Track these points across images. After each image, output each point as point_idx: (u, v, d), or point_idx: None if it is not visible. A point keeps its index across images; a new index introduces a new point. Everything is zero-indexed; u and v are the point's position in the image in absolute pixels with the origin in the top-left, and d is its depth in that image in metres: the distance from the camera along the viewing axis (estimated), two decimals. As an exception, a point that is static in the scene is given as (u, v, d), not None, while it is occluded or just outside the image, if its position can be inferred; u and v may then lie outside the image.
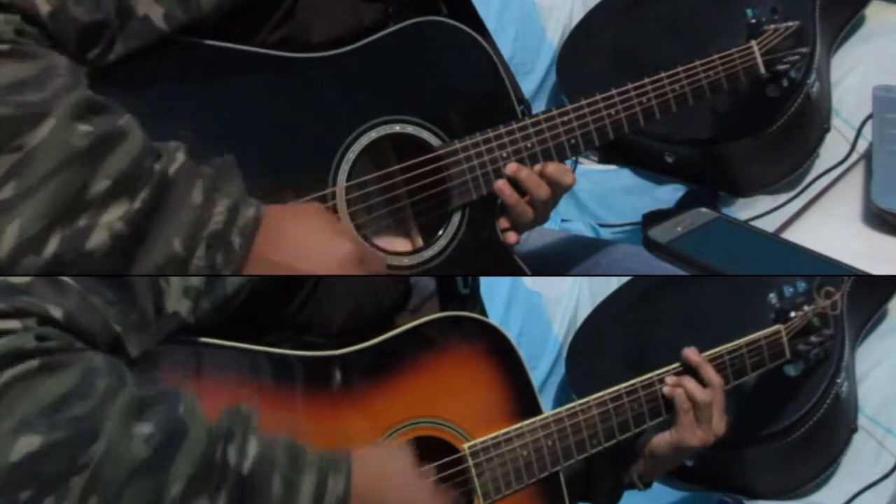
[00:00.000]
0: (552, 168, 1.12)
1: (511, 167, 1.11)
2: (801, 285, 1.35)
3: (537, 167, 1.12)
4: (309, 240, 0.89)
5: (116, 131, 0.81)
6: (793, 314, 1.32)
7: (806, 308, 1.32)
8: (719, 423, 1.16)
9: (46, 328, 0.70)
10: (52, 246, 0.77)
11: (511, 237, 1.13)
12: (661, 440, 1.16)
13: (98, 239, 0.78)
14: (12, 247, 0.75)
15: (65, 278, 0.73)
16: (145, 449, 0.70)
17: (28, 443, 0.66)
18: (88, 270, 0.78)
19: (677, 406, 1.14)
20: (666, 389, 1.14)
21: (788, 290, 1.34)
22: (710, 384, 1.16)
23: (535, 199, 1.12)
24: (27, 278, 0.72)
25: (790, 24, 1.35)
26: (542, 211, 1.14)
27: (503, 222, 1.13)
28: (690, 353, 1.17)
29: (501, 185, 1.10)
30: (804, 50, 1.37)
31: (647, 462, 1.18)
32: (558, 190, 1.13)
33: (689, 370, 1.16)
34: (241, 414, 0.79)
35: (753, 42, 1.32)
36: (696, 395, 1.14)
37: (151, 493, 0.70)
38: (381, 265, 0.97)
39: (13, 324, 0.69)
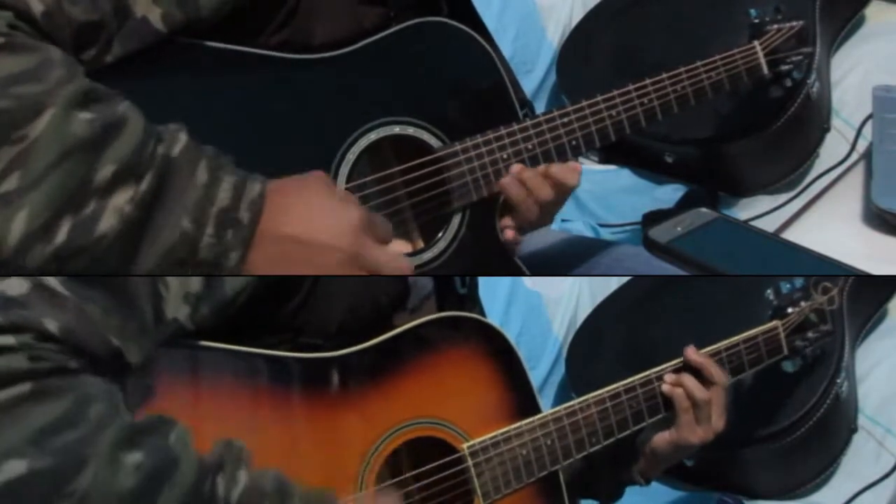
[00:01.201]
0: (556, 169, 1.11)
1: (515, 167, 1.10)
2: (799, 282, 1.35)
3: (541, 168, 1.11)
4: (316, 210, 0.89)
5: (117, 117, 0.81)
6: (790, 310, 1.31)
7: (803, 304, 1.32)
8: (718, 421, 1.15)
9: (42, 345, 0.69)
10: (62, 233, 0.77)
11: (509, 233, 1.13)
12: (661, 439, 1.16)
13: (108, 223, 0.78)
14: (21, 236, 0.76)
15: (60, 288, 0.72)
16: (133, 479, 0.70)
17: (13, 468, 0.65)
18: (100, 256, 0.78)
19: (677, 405, 1.14)
20: (665, 388, 1.14)
21: (786, 287, 1.34)
22: (714, 382, 1.15)
23: (539, 199, 1.11)
24: (23, 289, 0.71)
25: (793, 23, 1.35)
26: (547, 212, 1.13)
27: (504, 221, 1.13)
28: (691, 352, 1.16)
29: (508, 182, 1.10)
30: (807, 50, 1.37)
31: (647, 460, 1.18)
32: (562, 190, 1.13)
33: (688, 368, 1.16)
34: (233, 447, 0.79)
35: (756, 42, 1.32)
36: (695, 393, 1.14)
37: None
38: (389, 229, 0.96)
39: (8, 340, 0.68)
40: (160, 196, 0.81)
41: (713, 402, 1.15)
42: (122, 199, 0.79)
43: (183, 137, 0.84)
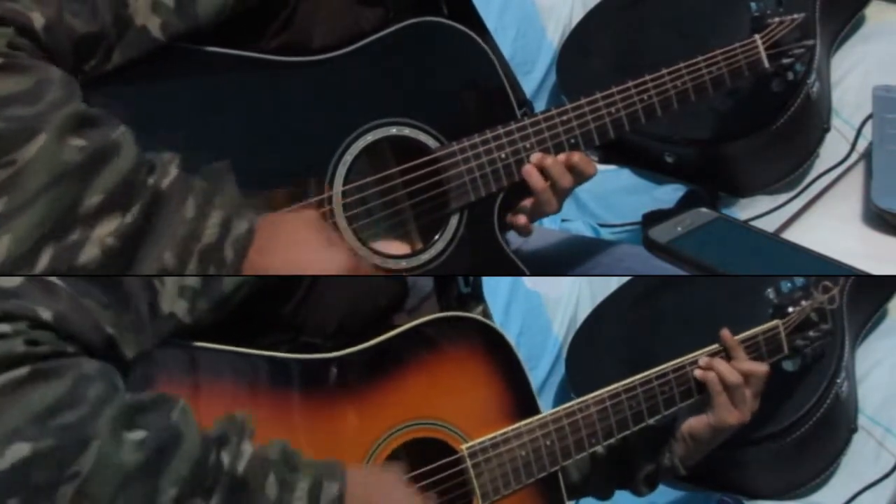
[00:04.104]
0: (578, 157, 1.13)
1: (536, 156, 1.12)
2: (799, 280, 1.34)
3: (562, 156, 1.12)
4: (303, 251, 0.90)
5: (110, 145, 0.81)
6: (791, 309, 1.31)
7: (804, 303, 1.31)
8: (754, 403, 1.19)
9: (37, 332, 0.70)
10: (44, 261, 0.77)
11: (521, 219, 1.14)
12: (699, 423, 1.18)
13: (90, 254, 0.78)
14: (3, 261, 0.75)
15: (56, 281, 0.73)
16: (137, 456, 0.70)
17: (17, 451, 0.66)
18: None
19: (710, 388, 1.17)
20: (698, 372, 1.17)
21: (786, 286, 1.33)
22: (746, 368, 1.18)
23: (559, 187, 1.12)
24: (17, 281, 0.71)
25: (795, 16, 1.33)
26: (560, 199, 1.15)
27: (518, 209, 1.14)
28: (726, 334, 1.19)
29: (529, 169, 1.11)
30: (810, 42, 1.35)
31: (686, 445, 1.20)
32: (581, 179, 1.14)
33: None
34: (236, 420, 0.79)
35: (757, 36, 1.30)
36: (727, 377, 1.16)
37: (144, 499, 0.70)
38: (372, 272, 0.97)
39: (3, 328, 0.68)
40: (145, 228, 0.81)
41: (748, 385, 1.17)
42: (106, 230, 0.79)
43: (174, 170, 0.84)
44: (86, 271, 0.78)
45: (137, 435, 0.70)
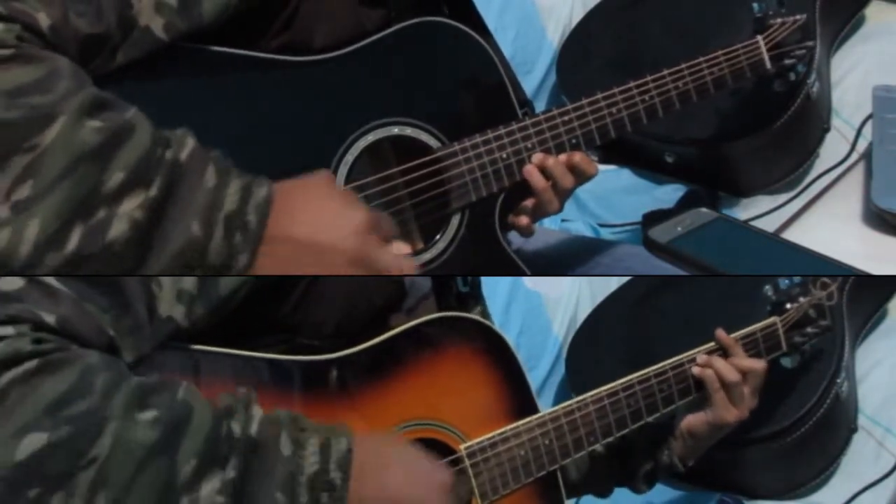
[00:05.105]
0: (579, 158, 1.13)
1: (537, 157, 1.12)
2: (797, 277, 1.34)
3: (563, 157, 1.13)
4: (322, 212, 0.90)
5: (125, 124, 0.82)
6: (788, 306, 1.31)
7: (801, 300, 1.31)
8: (752, 400, 1.19)
9: (41, 334, 0.71)
10: (74, 241, 0.78)
11: (522, 220, 1.14)
12: (698, 420, 1.18)
13: (118, 229, 0.79)
14: (34, 244, 0.76)
15: (58, 285, 0.74)
16: (152, 433, 0.71)
17: (33, 441, 0.67)
18: (110, 261, 0.79)
19: (708, 386, 1.16)
20: (695, 370, 1.17)
21: (784, 283, 1.33)
22: (744, 365, 1.18)
23: (560, 187, 1.13)
24: (19, 284, 0.72)
25: (798, 17, 1.34)
26: (562, 199, 1.15)
27: (519, 208, 1.14)
28: (721, 333, 1.19)
29: (531, 169, 1.11)
30: (811, 43, 1.35)
31: (685, 442, 1.20)
32: (583, 179, 1.15)
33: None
34: (239, 392, 0.80)
35: (759, 37, 1.31)
36: (725, 374, 1.16)
37: (163, 476, 0.71)
38: (392, 228, 0.97)
39: (7, 330, 0.69)
40: (169, 201, 0.82)
41: (746, 382, 1.17)
42: (131, 206, 0.80)
43: (190, 142, 0.85)
44: (115, 248, 0.79)
45: (150, 414, 0.72)
